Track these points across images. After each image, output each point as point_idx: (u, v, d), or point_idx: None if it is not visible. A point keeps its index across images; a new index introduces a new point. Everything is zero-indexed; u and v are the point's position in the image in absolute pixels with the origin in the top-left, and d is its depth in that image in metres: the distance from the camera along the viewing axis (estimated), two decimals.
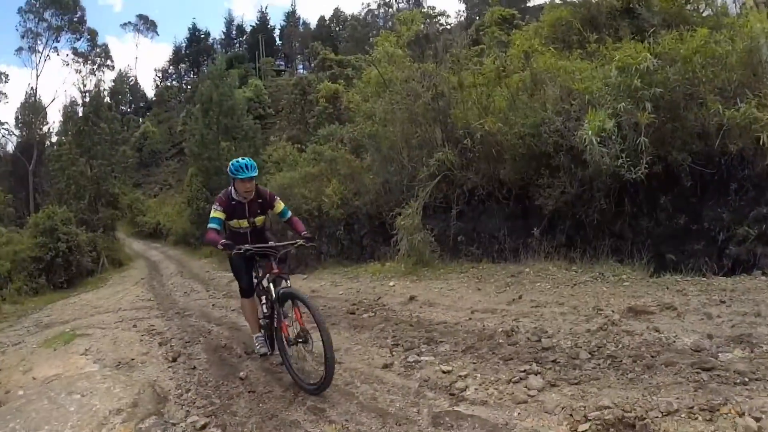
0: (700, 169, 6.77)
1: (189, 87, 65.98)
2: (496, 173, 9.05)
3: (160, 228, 35.55)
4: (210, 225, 5.17)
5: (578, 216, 7.77)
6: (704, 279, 5.97)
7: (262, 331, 5.45)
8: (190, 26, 78.39)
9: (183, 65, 75.75)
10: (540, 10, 15.81)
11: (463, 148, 9.53)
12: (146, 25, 74.61)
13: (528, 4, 43.42)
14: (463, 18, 53.99)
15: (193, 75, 71.60)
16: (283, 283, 4.94)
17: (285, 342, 4.85)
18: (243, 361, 5.59)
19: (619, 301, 5.71)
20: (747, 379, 3.50)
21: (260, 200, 5.47)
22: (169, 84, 74.49)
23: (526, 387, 3.93)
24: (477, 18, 38.76)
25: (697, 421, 3.13)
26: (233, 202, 5.34)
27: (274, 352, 5.26)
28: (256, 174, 5.21)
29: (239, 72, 45.11)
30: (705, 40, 6.99)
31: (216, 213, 5.23)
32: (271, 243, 5.30)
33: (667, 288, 5.87)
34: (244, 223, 5.43)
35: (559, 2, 12.29)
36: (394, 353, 5.08)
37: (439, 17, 41.85)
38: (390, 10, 63.48)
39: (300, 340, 4.66)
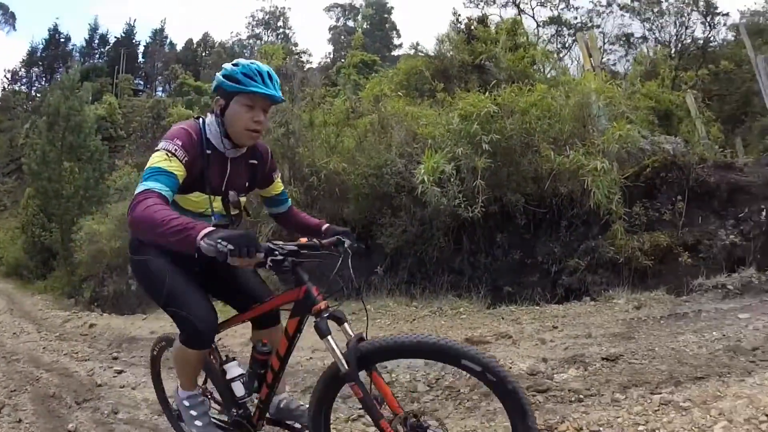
0: (534, 209, 7.06)
1: (38, 95, 56.60)
2: (340, 212, 8.84)
3: None
4: (147, 185, 2.15)
5: (419, 254, 7.74)
6: (538, 307, 6.08)
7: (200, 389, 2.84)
8: (51, 27, 67.89)
9: (36, 69, 65.26)
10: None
11: (309, 186, 9.21)
12: (5, 16, 65.28)
13: (393, 53, 45.67)
14: (329, 59, 54.19)
15: (46, 82, 61.64)
16: (350, 331, 2.28)
17: None
18: (73, 411, 4.55)
19: (457, 333, 5.53)
20: (582, 396, 3.40)
21: (253, 161, 2.64)
22: (17, 88, 62.92)
23: (364, 424, 3.50)
24: (343, 60, 39.90)
25: None
26: (208, 151, 2.43)
27: None
28: (280, 97, 2.39)
29: (95, 86, 40.50)
30: (542, 95, 7.48)
31: (170, 162, 2.24)
32: (312, 241, 2.45)
33: (503, 318, 5.86)
34: (217, 203, 2.53)
35: (421, 53, 12.78)
36: None
37: (301, 54, 42.34)
38: (259, 42, 62.35)
39: None
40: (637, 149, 6.99)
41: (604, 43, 26.26)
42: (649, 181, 6.72)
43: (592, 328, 4.95)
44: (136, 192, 2.15)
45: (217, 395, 2.90)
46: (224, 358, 2.77)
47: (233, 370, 2.69)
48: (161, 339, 3.35)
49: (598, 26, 27.17)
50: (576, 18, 27.51)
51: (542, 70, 11.01)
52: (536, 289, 6.59)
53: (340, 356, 2.18)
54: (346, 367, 2.15)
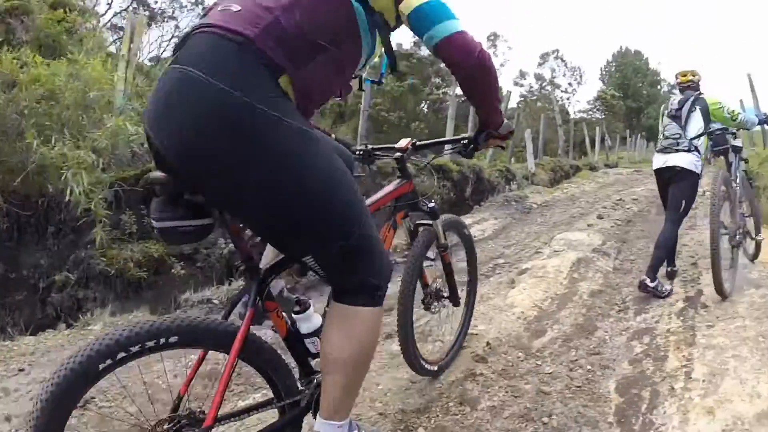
0: (17, 211, 5.97)
1: None
2: None
3: None
4: (459, 24, 1.52)
5: None
6: (7, 343, 4.86)
7: None
8: None
9: None
10: None
11: None
12: None
13: None
14: None
15: None
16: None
17: None
18: None
19: None
20: None
21: None
22: None
23: None
24: None
25: None
26: None
27: None
28: None
29: None
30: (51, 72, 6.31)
31: None
32: None
33: None
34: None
35: None
36: None
37: None
38: None
39: None
40: (144, 150, 6.53)
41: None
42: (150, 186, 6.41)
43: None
44: (454, 29, 1.50)
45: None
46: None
47: (311, 320, 1.79)
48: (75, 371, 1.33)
49: (175, 18, 26.19)
50: (157, 2, 26.10)
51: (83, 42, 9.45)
52: (25, 310, 5.61)
53: (441, 230, 2.55)
54: (444, 240, 2.57)
